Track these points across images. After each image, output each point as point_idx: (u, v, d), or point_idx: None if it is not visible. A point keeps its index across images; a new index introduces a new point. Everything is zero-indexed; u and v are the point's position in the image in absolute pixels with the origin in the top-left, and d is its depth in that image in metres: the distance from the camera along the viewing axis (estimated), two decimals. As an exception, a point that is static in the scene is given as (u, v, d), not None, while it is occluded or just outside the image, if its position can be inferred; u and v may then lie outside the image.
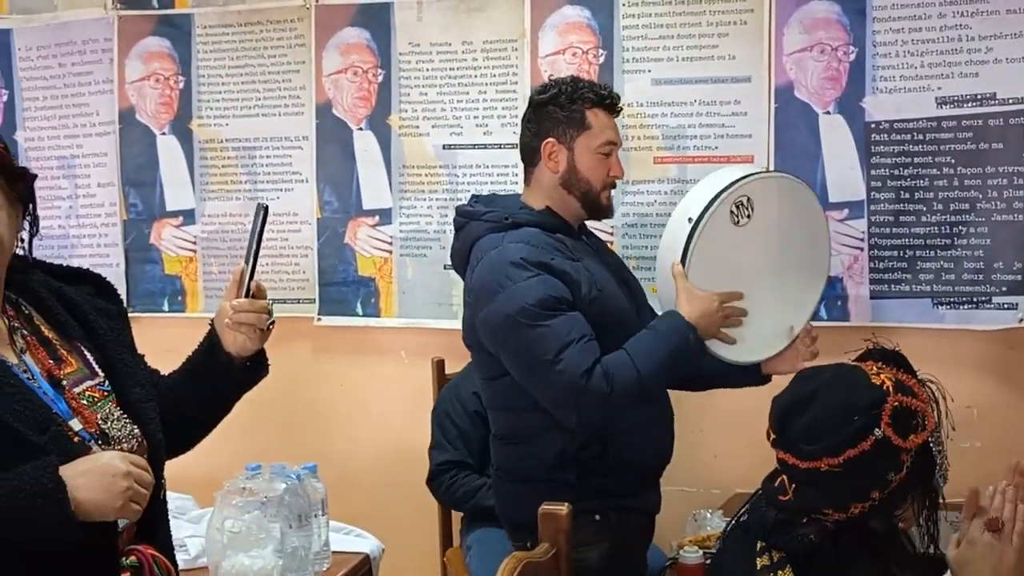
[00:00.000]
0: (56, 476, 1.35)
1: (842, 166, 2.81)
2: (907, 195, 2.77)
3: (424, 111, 3.14)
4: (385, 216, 3.18)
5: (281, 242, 3.27)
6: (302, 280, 3.27)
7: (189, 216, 3.34)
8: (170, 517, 2.21)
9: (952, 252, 2.73)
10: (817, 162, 2.83)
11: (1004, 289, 2.69)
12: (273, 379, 3.39)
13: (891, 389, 1.52)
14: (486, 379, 2.24)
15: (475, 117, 3.10)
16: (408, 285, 3.18)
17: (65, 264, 1.67)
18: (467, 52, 3.10)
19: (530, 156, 2.22)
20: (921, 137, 2.75)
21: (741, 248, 2.15)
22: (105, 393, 1.53)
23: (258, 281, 1.67)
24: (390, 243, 3.19)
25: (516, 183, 3.05)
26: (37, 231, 1.54)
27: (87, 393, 1.51)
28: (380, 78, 3.16)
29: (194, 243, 3.34)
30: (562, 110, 2.17)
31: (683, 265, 2.09)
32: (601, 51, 2.99)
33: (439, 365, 3.03)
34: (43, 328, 1.53)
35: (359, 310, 3.22)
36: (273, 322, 1.68)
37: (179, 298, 3.37)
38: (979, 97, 2.69)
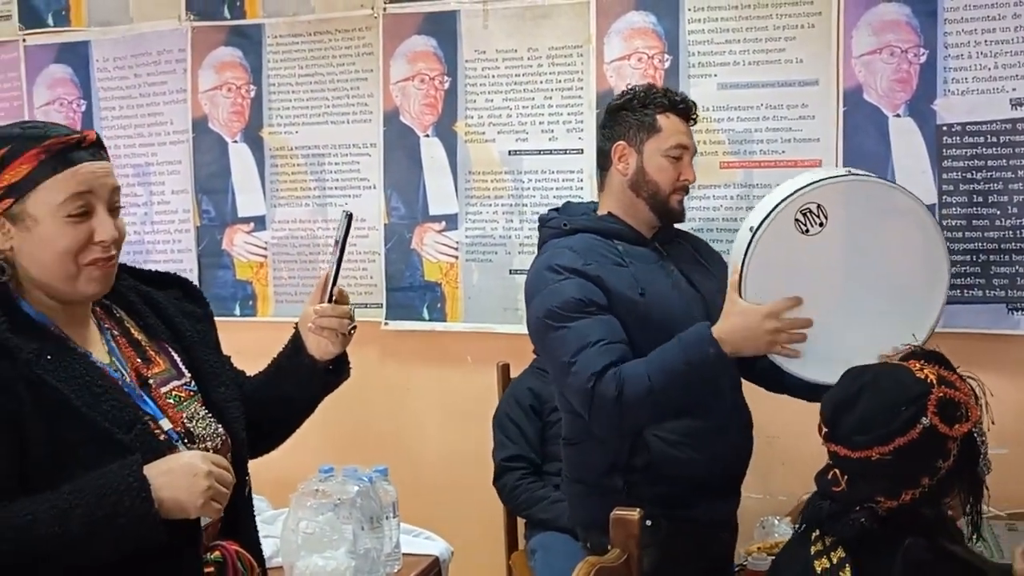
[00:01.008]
0: (141, 475, 1.38)
1: (913, 169, 2.77)
2: (980, 199, 2.73)
3: (490, 117, 3.17)
4: (451, 222, 3.22)
5: (349, 248, 3.28)
6: (369, 285, 3.31)
7: (260, 222, 3.41)
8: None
9: (1027, 256, 2.68)
10: (887, 165, 2.80)
11: (1082, 294, 2.64)
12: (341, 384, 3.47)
13: (935, 382, 1.59)
14: (552, 381, 2.28)
15: (540, 123, 3.12)
16: (474, 290, 3.21)
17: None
18: (532, 58, 3.12)
19: (603, 160, 2.25)
20: (995, 140, 2.70)
21: (814, 260, 2.00)
22: (191, 393, 1.58)
23: (341, 287, 1.70)
24: (456, 248, 3.22)
25: (581, 188, 3.07)
26: None
27: (174, 393, 1.55)
28: (446, 85, 3.20)
29: (265, 248, 3.41)
30: (633, 114, 2.19)
31: (740, 276, 2.00)
32: (667, 56, 2.99)
33: (504, 369, 3.06)
34: (132, 330, 1.58)
35: (425, 315, 3.26)
36: (355, 327, 1.71)
37: (250, 302, 3.44)
38: (1055, 99, 2.64)
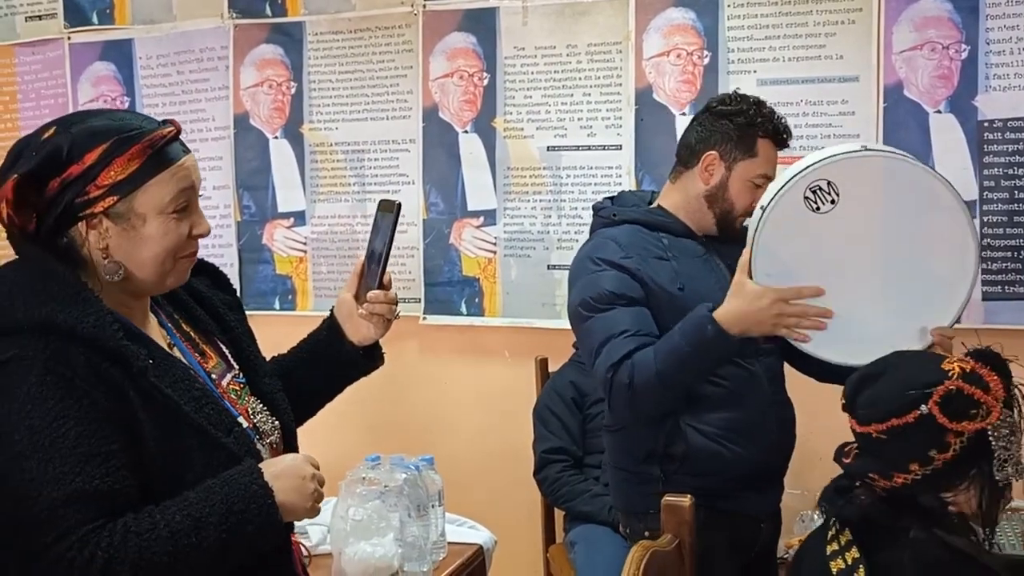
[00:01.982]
0: (263, 481, 1.37)
1: (953, 165, 2.77)
2: (1022, 195, 2.72)
3: (528, 113, 3.19)
4: (489, 217, 3.24)
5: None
6: (408, 280, 3.34)
7: (300, 217, 3.45)
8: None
9: (1070, 253, 2.67)
10: (927, 161, 2.79)
11: (1125, 291, 2.62)
12: (380, 377, 3.48)
13: (956, 375, 1.56)
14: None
15: (579, 119, 3.14)
16: (512, 285, 3.23)
17: None
18: (571, 55, 3.14)
19: (687, 158, 2.19)
20: (1037, 136, 2.70)
21: (827, 238, 1.93)
22: (242, 385, 1.57)
23: (389, 274, 1.71)
24: (494, 244, 3.24)
25: (620, 184, 3.08)
26: None
27: (231, 387, 1.54)
28: (485, 82, 3.22)
29: (304, 244, 3.45)
30: (736, 128, 2.12)
31: (750, 256, 1.95)
32: (706, 52, 3.00)
33: (542, 364, 3.08)
34: (182, 323, 1.56)
35: (463, 310, 3.29)
36: (399, 313, 1.73)
37: (290, 297, 3.48)
38: (1099, 94, 2.63)
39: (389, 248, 1.67)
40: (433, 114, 3.28)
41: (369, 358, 1.75)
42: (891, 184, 1.93)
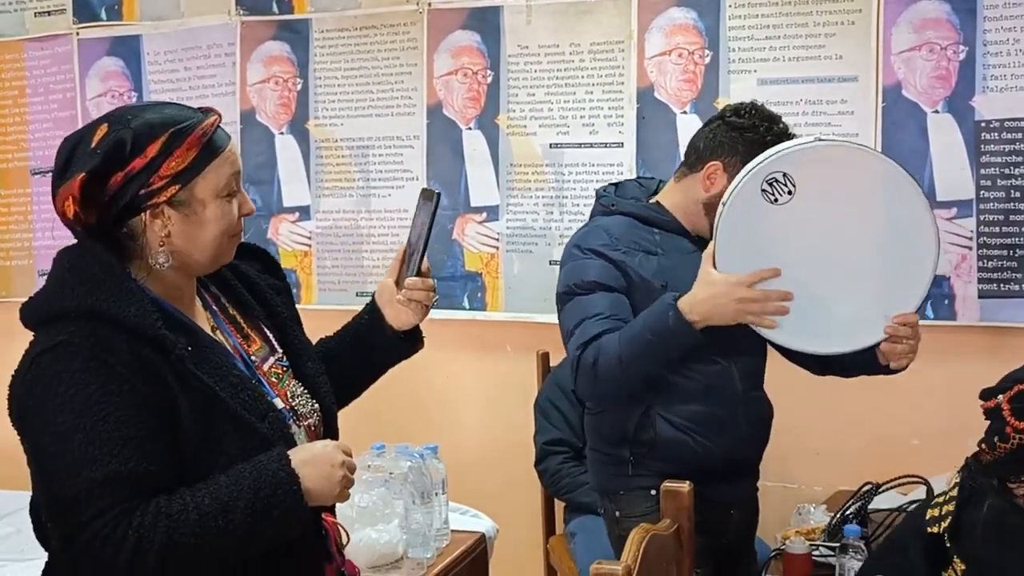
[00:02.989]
0: (290, 468, 1.41)
1: (951, 165, 2.81)
2: (1018, 194, 2.76)
3: (532, 111, 3.23)
4: (492, 213, 3.28)
5: (392, 237, 3.40)
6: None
7: (305, 212, 3.49)
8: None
9: (1065, 252, 2.71)
10: (925, 161, 2.83)
11: (1119, 289, 2.66)
12: (382, 369, 3.52)
13: None
14: None
15: (581, 117, 3.18)
16: (514, 280, 3.27)
17: None
18: (574, 53, 3.18)
19: (693, 161, 2.20)
20: (1033, 136, 2.74)
21: (787, 229, 1.95)
22: (284, 368, 1.61)
23: (427, 261, 1.76)
24: (497, 239, 3.28)
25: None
26: None
27: (272, 370, 1.58)
28: (489, 79, 3.26)
29: (309, 238, 3.49)
30: (744, 145, 2.12)
31: (714, 247, 1.99)
32: (707, 52, 3.04)
33: (544, 358, 3.11)
34: (228, 307, 1.61)
35: (466, 304, 3.33)
36: (437, 299, 1.78)
37: (295, 291, 3.51)
38: (1094, 95, 2.67)
39: (428, 236, 1.70)
40: (437, 111, 3.32)
41: (410, 341, 1.81)
42: (846, 173, 1.95)
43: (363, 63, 3.40)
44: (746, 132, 2.14)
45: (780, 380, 2.33)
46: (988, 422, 1.70)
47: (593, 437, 2.28)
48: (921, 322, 2.48)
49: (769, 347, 2.21)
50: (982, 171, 2.79)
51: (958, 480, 1.75)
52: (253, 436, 1.44)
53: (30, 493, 1.45)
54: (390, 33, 3.36)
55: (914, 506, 1.98)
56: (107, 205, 1.43)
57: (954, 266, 2.82)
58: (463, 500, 2.68)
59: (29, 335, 1.44)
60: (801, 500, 2.83)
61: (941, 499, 1.74)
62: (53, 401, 1.35)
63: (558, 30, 3.18)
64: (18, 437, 1.41)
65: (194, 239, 1.47)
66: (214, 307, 1.58)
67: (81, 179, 1.39)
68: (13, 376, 1.42)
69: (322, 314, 2.99)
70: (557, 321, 2.25)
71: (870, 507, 2.40)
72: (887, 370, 2.09)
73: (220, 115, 1.51)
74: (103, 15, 3.66)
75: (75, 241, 1.47)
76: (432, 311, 3.37)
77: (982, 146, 2.79)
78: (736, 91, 2.96)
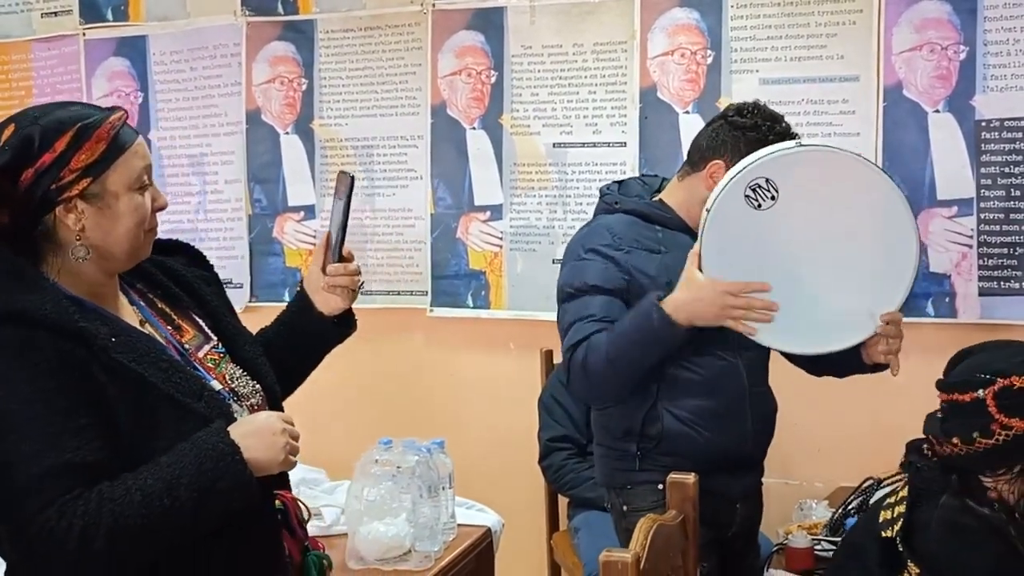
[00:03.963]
0: (230, 439, 1.44)
1: (951, 164, 2.84)
2: (1018, 192, 2.79)
3: (535, 111, 3.25)
4: (496, 212, 3.30)
5: (396, 236, 3.42)
6: (415, 273, 3.41)
7: (310, 211, 3.51)
8: (305, 488, 2.37)
9: (1065, 250, 2.73)
10: (926, 160, 2.86)
11: (1118, 287, 2.69)
12: (387, 368, 3.57)
13: None
14: None
15: (585, 116, 3.21)
16: (517, 279, 3.30)
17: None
18: (577, 53, 3.20)
19: (696, 160, 2.23)
20: (1033, 135, 2.77)
21: (771, 233, 1.99)
22: (221, 355, 1.63)
23: (348, 248, 1.79)
24: (501, 238, 3.31)
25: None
26: None
27: (209, 356, 1.61)
28: (493, 79, 3.29)
29: (314, 236, 3.50)
30: (747, 144, 2.13)
31: (699, 251, 2.02)
32: (709, 52, 3.06)
33: (547, 356, 3.14)
34: (156, 301, 1.63)
35: (470, 302, 3.35)
36: (363, 283, 1.81)
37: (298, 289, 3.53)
38: (1093, 95, 2.70)
39: (346, 221, 1.74)
40: (441, 111, 3.34)
41: (343, 326, 1.83)
42: (828, 177, 1.99)
43: (368, 63, 3.42)
44: (748, 131, 2.16)
45: (781, 378, 2.34)
46: (954, 414, 1.67)
47: (600, 432, 2.30)
48: (922, 320, 2.54)
49: (771, 344, 2.23)
50: (982, 170, 2.82)
51: (906, 480, 1.75)
52: (190, 416, 1.46)
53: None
54: (394, 33, 3.39)
55: (870, 506, 1.96)
56: (20, 202, 1.44)
57: (955, 264, 2.85)
58: (468, 496, 2.70)
59: None
60: (802, 496, 2.84)
61: (893, 500, 1.73)
62: None
63: (561, 30, 3.21)
64: None
65: (109, 232, 1.48)
66: (141, 302, 1.60)
67: None
68: None
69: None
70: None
71: (871, 502, 2.42)
72: (876, 368, 2.13)
73: (127, 112, 1.53)
74: (109, 15, 3.68)
75: None
76: (436, 309, 3.46)
77: (982, 145, 2.81)
78: (738, 91, 2.99)
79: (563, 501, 3.04)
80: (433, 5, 3.32)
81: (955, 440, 1.65)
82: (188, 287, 1.67)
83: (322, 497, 2.36)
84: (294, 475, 2.45)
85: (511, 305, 3.31)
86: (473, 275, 3.34)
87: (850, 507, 2.42)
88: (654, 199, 2.28)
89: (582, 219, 3.20)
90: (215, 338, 1.64)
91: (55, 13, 3.74)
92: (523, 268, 3.29)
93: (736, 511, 2.25)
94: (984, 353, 1.71)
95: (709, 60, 3.07)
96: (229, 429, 1.47)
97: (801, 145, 2.05)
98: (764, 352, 2.27)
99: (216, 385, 1.56)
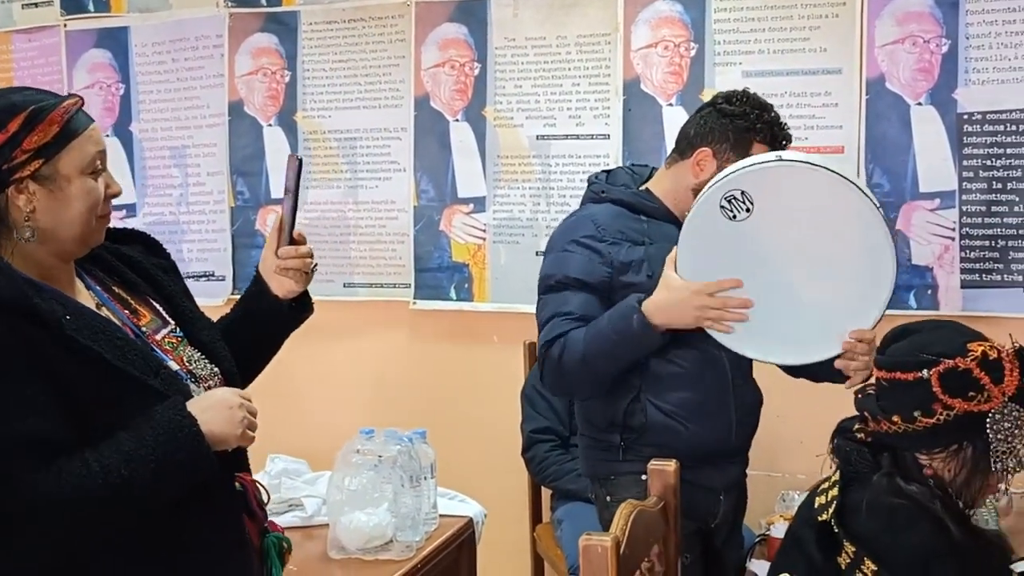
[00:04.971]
0: (187, 412, 1.46)
1: (933, 157, 2.85)
2: (999, 185, 2.80)
3: (518, 103, 3.25)
4: (479, 204, 3.30)
5: (379, 229, 3.41)
6: (398, 266, 3.40)
7: (292, 204, 3.49)
8: (287, 479, 2.36)
9: (1045, 242, 2.75)
10: (908, 153, 2.87)
11: (1098, 279, 2.70)
12: (370, 360, 3.55)
13: (974, 357, 1.61)
14: None
15: (568, 109, 3.20)
16: (501, 271, 3.29)
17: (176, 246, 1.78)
18: (561, 46, 3.20)
19: (683, 148, 2.23)
20: (1014, 128, 2.78)
21: (746, 244, 2.00)
22: (179, 338, 1.64)
23: (299, 230, 1.81)
24: (484, 230, 3.30)
25: (608, 173, 3.14)
26: None
27: (167, 340, 1.62)
28: (476, 71, 3.28)
29: (297, 229, 3.49)
30: (735, 131, 2.15)
31: (676, 257, 2.05)
32: (693, 44, 3.06)
33: (530, 348, 3.13)
34: (113, 286, 1.64)
35: (453, 295, 3.34)
36: (316, 265, 1.82)
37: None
38: (1074, 88, 2.71)
39: (295, 204, 1.76)
40: (425, 103, 3.33)
41: (299, 309, 1.84)
42: (805, 194, 1.97)
43: (351, 55, 3.41)
44: (736, 119, 2.16)
45: (766, 370, 2.34)
46: (894, 392, 1.66)
47: (584, 423, 2.30)
48: (905, 312, 2.54)
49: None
50: (964, 163, 2.83)
51: (838, 464, 1.74)
52: (146, 392, 1.47)
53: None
54: (378, 25, 3.38)
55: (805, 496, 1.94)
56: None
57: (937, 256, 2.86)
58: (451, 488, 2.70)
59: None
60: (785, 488, 2.85)
61: (826, 484, 1.73)
62: None
63: (545, 22, 3.20)
64: None
65: (59, 215, 1.49)
66: (97, 287, 1.61)
67: None
68: None
69: (310, 305, 3.00)
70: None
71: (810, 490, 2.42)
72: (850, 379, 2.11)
73: (83, 99, 1.54)
74: (91, 7, 3.65)
75: None
76: (419, 302, 3.44)
77: (964, 138, 2.82)
78: (721, 83, 2.98)
79: (546, 493, 3.04)
80: (416, -3, 3.32)
81: (895, 418, 1.65)
82: (145, 273, 1.68)
83: (304, 488, 2.35)
84: (276, 466, 2.46)
85: (494, 298, 3.30)
86: (456, 268, 3.34)
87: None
88: (641, 189, 2.28)
89: (565, 211, 3.19)
90: (172, 322, 1.65)
91: (36, 4, 3.71)
92: (506, 260, 3.28)
93: (720, 503, 2.25)
94: (926, 332, 1.70)
95: (692, 52, 3.07)
96: (187, 404, 1.48)
97: (781, 159, 2.01)
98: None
99: (174, 366, 1.57)
